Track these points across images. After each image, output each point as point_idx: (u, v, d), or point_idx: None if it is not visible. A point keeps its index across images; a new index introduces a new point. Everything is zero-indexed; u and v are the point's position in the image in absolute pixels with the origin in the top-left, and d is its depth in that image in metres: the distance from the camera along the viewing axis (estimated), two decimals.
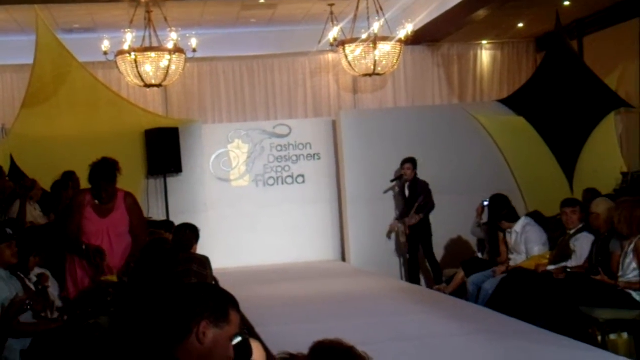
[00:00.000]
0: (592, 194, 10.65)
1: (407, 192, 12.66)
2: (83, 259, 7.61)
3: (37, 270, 7.12)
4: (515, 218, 9.93)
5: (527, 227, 9.72)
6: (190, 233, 7.50)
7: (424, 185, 12.44)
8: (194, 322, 3.02)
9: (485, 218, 11.28)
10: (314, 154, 14.09)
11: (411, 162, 12.52)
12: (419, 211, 12.31)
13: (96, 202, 7.66)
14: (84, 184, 10.53)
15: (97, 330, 4.23)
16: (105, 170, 7.54)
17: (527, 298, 8.23)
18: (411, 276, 12.67)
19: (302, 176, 14.07)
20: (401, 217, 12.84)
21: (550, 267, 8.66)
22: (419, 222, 12.36)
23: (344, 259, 13.96)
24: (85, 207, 7.60)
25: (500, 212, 10.15)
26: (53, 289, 7.21)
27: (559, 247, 8.90)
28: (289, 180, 14.05)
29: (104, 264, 7.50)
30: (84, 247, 7.60)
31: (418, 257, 12.65)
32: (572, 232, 8.78)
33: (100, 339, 3.83)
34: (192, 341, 3.01)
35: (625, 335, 7.18)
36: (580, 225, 8.71)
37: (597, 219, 8.28)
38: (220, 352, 3.03)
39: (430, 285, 12.36)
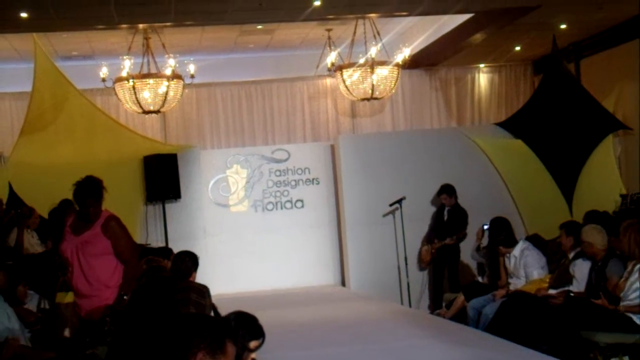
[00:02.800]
0: (593, 216, 10.61)
1: (445, 216, 12.70)
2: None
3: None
4: (512, 242, 9.89)
5: (525, 251, 9.68)
6: (189, 261, 7.47)
7: (465, 215, 12.55)
8: (191, 353, 2.99)
9: (485, 242, 11.27)
10: (313, 179, 14.09)
11: (446, 191, 12.60)
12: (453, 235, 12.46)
13: (77, 220, 7.24)
14: None
15: None
16: (90, 188, 7.13)
17: (527, 322, 8.18)
18: (435, 300, 12.68)
19: (301, 201, 14.06)
20: (430, 240, 12.88)
21: (551, 291, 8.62)
22: (450, 247, 12.47)
23: (343, 283, 13.92)
24: (66, 227, 7.29)
25: (498, 236, 10.12)
26: None
27: (559, 271, 8.86)
28: (288, 205, 14.04)
29: (64, 278, 7.39)
30: (56, 257, 7.49)
31: (443, 281, 12.68)
32: (571, 256, 8.75)
33: None
34: None
35: (626, 359, 7.14)
36: (579, 250, 8.66)
37: (590, 247, 8.22)
38: None
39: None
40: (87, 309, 6.95)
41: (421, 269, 13.35)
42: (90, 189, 7.09)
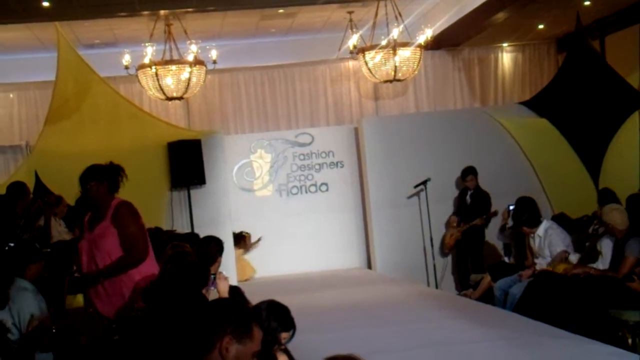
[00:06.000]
0: (607, 194, 10.61)
1: (468, 200, 12.68)
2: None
3: None
4: (537, 222, 9.83)
5: (549, 230, 9.60)
6: (215, 246, 7.46)
7: (487, 197, 12.51)
8: (218, 337, 3.01)
9: (510, 222, 11.23)
10: (337, 162, 14.08)
11: (472, 172, 12.55)
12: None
13: (93, 214, 6.68)
14: None
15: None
16: (89, 172, 6.61)
17: (555, 302, 8.15)
18: (462, 281, 12.68)
19: (326, 184, 14.06)
20: (458, 224, 12.90)
21: (577, 270, 8.58)
22: (476, 228, 12.50)
23: (369, 266, 13.92)
24: (84, 223, 6.77)
25: (522, 216, 10.07)
26: None
27: (587, 248, 8.83)
28: (313, 188, 14.04)
29: (69, 278, 7.08)
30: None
31: (468, 263, 12.68)
32: (599, 234, 8.72)
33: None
34: (215, 356, 3.00)
35: None
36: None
37: (610, 226, 8.20)
38: None
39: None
40: (108, 311, 6.35)
41: (444, 254, 13.32)
42: (88, 174, 6.58)
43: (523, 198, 10.64)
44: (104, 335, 5.68)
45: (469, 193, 12.69)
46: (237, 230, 13.41)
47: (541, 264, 9.47)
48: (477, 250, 12.54)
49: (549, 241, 9.47)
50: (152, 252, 6.66)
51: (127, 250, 6.38)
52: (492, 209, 12.40)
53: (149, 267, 6.50)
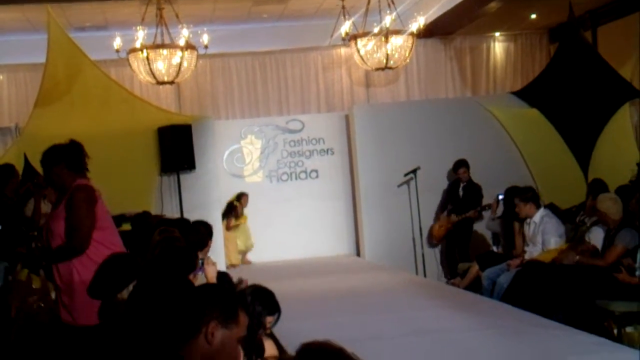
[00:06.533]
0: (598, 184, 10.63)
1: (461, 193, 12.69)
2: None
3: None
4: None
5: (545, 218, 9.56)
6: (204, 230, 7.45)
7: (480, 189, 12.55)
8: (203, 322, 3.00)
9: (500, 212, 11.25)
10: (327, 149, 14.08)
11: (464, 165, 12.56)
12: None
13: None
14: (97, 183, 10.56)
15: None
16: (46, 154, 6.07)
17: (542, 291, 8.17)
18: (451, 270, 12.71)
19: (316, 171, 14.05)
20: (438, 217, 13.02)
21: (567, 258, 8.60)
22: (467, 221, 12.55)
23: (358, 253, 13.94)
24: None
25: (513, 206, 10.07)
26: None
27: (575, 239, 8.85)
28: (303, 175, 14.04)
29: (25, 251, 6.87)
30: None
31: (456, 253, 12.73)
32: (588, 224, 8.73)
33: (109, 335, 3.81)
34: (200, 341, 2.99)
35: None
36: (595, 218, 8.65)
37: (604, 215, 8.23)
38: (227, 352, 3.02)
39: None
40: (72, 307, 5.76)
41: (432, 245, 13.34)
42: (46, 155, 6.08)
43: (512, 188, 10.65)
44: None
45: (462, 185, 12.69)
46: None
47: (532, 252, 9.45)
48: (465, 240, 12.58)
49: (543, 228, 9.42)
50: (118, 242, 6.12)
51: (67, 238, 5.81)
52: (484, 201, 12.41)
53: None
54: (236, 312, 3.08)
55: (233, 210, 13.43)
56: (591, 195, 9.72)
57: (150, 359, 2.98)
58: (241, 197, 13.57)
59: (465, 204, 12.54)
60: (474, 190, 12.57)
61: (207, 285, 3.83)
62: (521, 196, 9.65)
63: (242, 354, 4.33)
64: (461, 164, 12.62)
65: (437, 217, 13.17)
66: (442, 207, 13.13)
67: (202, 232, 7.39)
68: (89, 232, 5.83)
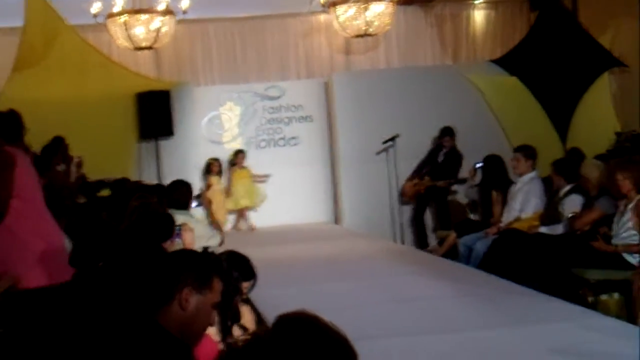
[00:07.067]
0: (575, 154, 10.68)
1: (441, 158, 12.67)
2: None
3: None
4: (504, 182, 9.98)
5: (534, 180, 9.51)
6: (185, 189, 7.43)
7: (460, 159, 12.56)
8: (177, 288, 3.00)
9: (478, 180, 11.28)
10: (307, 116, 14.07)
11: (449, 133, 12.58)
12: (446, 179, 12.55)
13: None
14: (75, 149, 10.53)
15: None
16: None
17: (518, 259, 8.22)
18: (419, 237, 12.73)
19: (295, 138, 14.04)
20: (413, 177, 12.89)
21: (542, 229, 8.65)
22: (435, 189, 12.54)
23: (337, 221, 13.96)
24: None
25: (490, 174, 10.16)
26: None
27: (549, 209, 8.88)
28: (282, 142, 14.03)
29: None
30: None
31: (424, 219, 12.74)
32: (561, 194, 8.75)
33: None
34: (175, 307, 3.00)
35: (616, 295, 7.19)
36: (569, 187, 8.67)
37: (586, 181, 8.28)
38: (202, 318, 3.03)
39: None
40: None
41: (403, 202, 13.33)
42: None
43: (491, 156, 10.68)
44: None
45: (443, 151, 12.69)
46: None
47: (507, 217, 9.45)
48: (443, 207, 12.60)
49: (528, 189, 9.38)
50: (46, 217, 5.78)
51: None
52: (462, 172, 12.41)
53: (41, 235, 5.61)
54: (210, 277, 3.09)
55: (209, 168, 13.36)
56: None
57: (125, 325, 2.97)
58: (237, 154, 13.50)
59: (443, 170, 12.53)
60: (454, 158, 12.57)
61: (180, 252, 3.82)
62: (525, 152, 9.63)
63: (216, 319, 4.35)
64: (446, 133, 12.62)
65: (409, 177, 13.09)
66: (418, 169, 13.06)
67: (183, 191, 7.35)
68: (4, 200, 5.43)
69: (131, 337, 2.87)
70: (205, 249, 5.60)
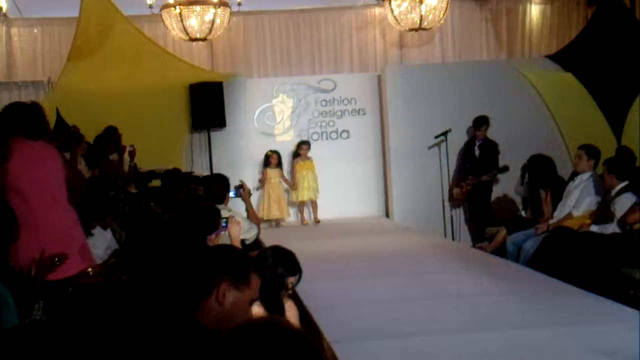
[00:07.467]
0: (625, 152, 10.52)
1: (477, 152, 12.62)
2: None
3: None
4: (554, 181, 9.89)
5: (592, 177, 9.42)
6: (222, 184, 7.45)
7: (495, 147, 12.47)
8: (215, 283, 3.01)
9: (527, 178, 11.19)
10: (359, 109, 14.03)
11: (486, 122, 12.52)
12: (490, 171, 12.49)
13: None
14: (127, 138, 10.64)
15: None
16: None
17: (568, 258, 8.13)
18: (478, 234, 12.64)
19: (347, 131, 14.02)
20: (464, 179, 12.84)
21: (593, 228, 8.54)
22: (481, 184, 12.49)
23: (387, 215, 13.92)
24: None
25: (537, 174, 10.09)
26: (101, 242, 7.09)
27: (601, 208, 8.77)
28: (334, 135, 14.02)
29: None
30: None
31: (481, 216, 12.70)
32: (614, 193, 8.62)
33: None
34: (212, 302, 3.01)
35: None
36: (623, 185, 8.54)
37: None
38: (239, 314, 3.03)
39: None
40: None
41: (454, 206, 13.29)
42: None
43: (536, 156, 10.62)
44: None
45: (478, 144, 12.61)
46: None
47: (559, 214, 9.35)
48: (486, 203, 12.51)
49: (585, 186, 9.28)
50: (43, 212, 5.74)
51: None
52: (505, 163, 12.32)
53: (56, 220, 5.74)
54: (248, 273, 3.10)
55: (267, 161, 13.39)
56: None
57: (162, 319, 2.99)
58: (301, 145, 13.50)
59: (482, 164, 12.46)
60: (490, 149, 12.49)
61: (219, 247, 3.84)
62: (588, 150, 9.57)
63: (263, 313, 4.37)
64: (483, 122, 12.54)
65: (455, 180, 13.06)
66: (459, 169, 13.02)
67: (220, 185, 7.37)
68: None
69: (168, 331, 2.89)
70: (243, 241, 5.62)
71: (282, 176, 13.46)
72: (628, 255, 7.45)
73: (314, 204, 13.48)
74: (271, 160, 13.32)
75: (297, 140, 13.84)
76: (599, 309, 6.52)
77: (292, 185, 13.42)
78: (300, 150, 13.44)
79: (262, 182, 13.40)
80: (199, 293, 3.01)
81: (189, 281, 3.06)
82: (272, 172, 13.33)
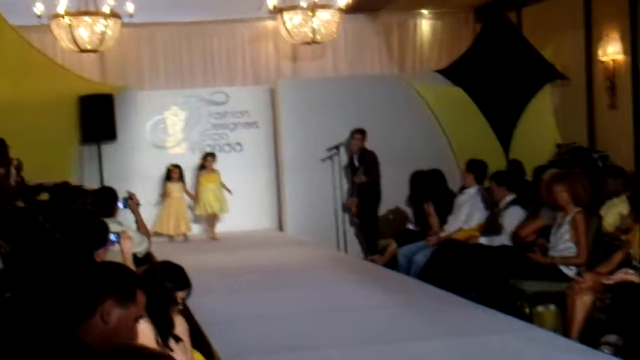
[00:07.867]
0: (516, 165, 10.80)
1: (356, 163, 12.74)
2: None
3: None
4: (444, 194, 10.08)
5: (480, 192, 9.56)
6: (109, 196, 7.34)
7: (372, 156, 12.54)
8: (99, 301, 2.95)
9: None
10: (252, 122, 14.04)
11: (361, 132, 12.61)
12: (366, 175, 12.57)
13: None
14: (15, 151, 10.36)
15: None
16: None
17: (457, 270, 8.27)
18: (369, 246, 12.70)
19: (240, 144, 13.99)
20: (352, 194, 12.95)
21: (482, 240, 8.71)
22: (369, 189, 12.56)
23: (281, 228, 13.93)
24: None
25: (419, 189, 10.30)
26: None
27: (489, 220, 8.94)
28: (227, 148, 13.97)
29: None
30: None
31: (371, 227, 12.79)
32: (502, 205, 8.80)
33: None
34: (96, 320, 2.93)
35: (552, 307, 7.26)
36: (511, 198, 8.74)
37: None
38: (124, 332, 2.97)
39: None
40: None
41: (352, 222, 13.41)
42: None
43: (417, 172, 10.88)
44: None
45: (355, 156, 12.82)
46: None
47: (450, 227, 9.49)
48: (373, 215, 12.67)
49: (473, 202, 9.43)
50: None
51: None
52: (395, 175, 12.49)
53: None
54: (133, 290, 3.04)
55: (168, 175, 13.22)
56: None
57: (44, 337, 2.91)
58: (206, 157, 13.36)
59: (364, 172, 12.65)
60: (369, 157, 12.67)
61: (104, 264, 3.76)
62: (468, 165, 9.74)
63: (151, 330, 4.29)
64: (358, 131, 12.75)
65: (350, 194, 13.19)
66: (352, 185, 13.16)
67: (108, 197, 7.27)
68: None
69: (49, 350, 2.82)
70: (134, 255, 5.54)
71: (185, 190, 13.32)
72: (515, 267, 7.60)
73: (215, 218, 13.37)
74: (172, 174, 13.19)
75: (189, 153, 13.76)
76: (487, 321, 6.66)
77: (195, 198, 13.30)
78: (205, 162, 13.34)
79: (163, 196, 13.25)
80: (83, 311, 2.94)
81: (72, 299, 2.99)
82: (174, 186, 13.19)
